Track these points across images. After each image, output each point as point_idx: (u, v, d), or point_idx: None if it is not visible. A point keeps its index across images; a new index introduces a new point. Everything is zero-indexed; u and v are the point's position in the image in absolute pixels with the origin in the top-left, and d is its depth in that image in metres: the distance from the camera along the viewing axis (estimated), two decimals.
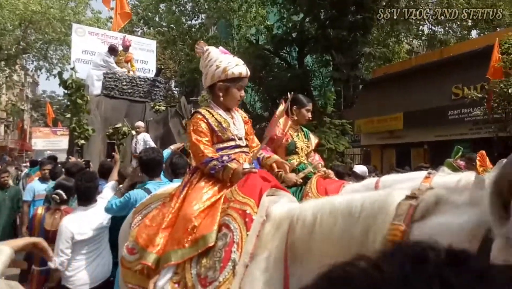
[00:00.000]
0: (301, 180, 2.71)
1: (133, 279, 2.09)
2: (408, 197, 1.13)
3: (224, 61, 2.14)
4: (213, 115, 2.17)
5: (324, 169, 3.03)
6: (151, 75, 9.86)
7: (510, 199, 0.80)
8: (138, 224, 2.24)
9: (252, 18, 19.72)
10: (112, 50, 8.87)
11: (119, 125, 8.21)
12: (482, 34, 15.71)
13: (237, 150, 2.16)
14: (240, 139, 2.20)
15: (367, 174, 5.18)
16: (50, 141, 22.47)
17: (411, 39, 18.58)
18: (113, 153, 4.74)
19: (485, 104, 8.71)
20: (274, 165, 2.22)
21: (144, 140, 7.47)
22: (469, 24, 16.16)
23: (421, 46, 19.87)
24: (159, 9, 20.90)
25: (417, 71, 12.97)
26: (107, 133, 8.03)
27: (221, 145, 2.15)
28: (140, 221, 2.26)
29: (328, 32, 13.53)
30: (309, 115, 3.33)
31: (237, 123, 2.22)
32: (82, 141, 7.02)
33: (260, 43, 15.74)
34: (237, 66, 2.14)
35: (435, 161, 11.63)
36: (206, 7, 20.08)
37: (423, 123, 12.07)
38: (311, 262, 1.37)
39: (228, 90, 2.17)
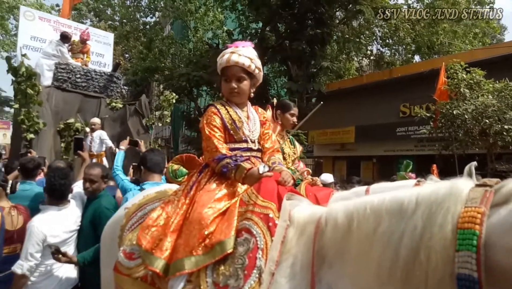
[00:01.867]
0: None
1: (134, 286, 1.89)
2: (478, 185, 1.05)
3: (221, 54, 2.04)
4: (228, 112, 2.01)
5: (310, 176, 3.02)
6: (108, 69, 9.27)
7: None
8: (134, 227, 2.05)
9: (209, 22, 19.61)
10: (65, 38, 8.17)
11: (72, 120, 7.60)
12: (424, 59, 17.11)
13: (248, 153, 2.01)
14: (253, 141, 2.04)
15: (329, 182, 5.23)
16: None
17: (360, 58, 19.63)
18: (79, 152, 4.37)
19: (432, 123, 9.41)
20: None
21: (100, 138, 6.97)
22: (413, 48, 17.51)
23: (369, 65, 21.11)
24: (112, 2, 19.97)
25: (368, 88, 13.75)
26: (58, 128, 7.37)
27: (232, 146, 1.99)
28: (136, 223, 2.07)
29: (286, 43, 13.81)
30: (294, 119, 3.23)
31: (252, 124, 2.06)
32: (31, 135, 6.35)
33: (220, 47, 15.64)
34: (224, 56, 1.98)
35: (382, 174, 12.37)
36: (163, 5, 19.59)
37: (373, 137, 12.77)
38: (343, 266, 1.30)
39: (221, 84, 2.06)
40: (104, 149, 6.92)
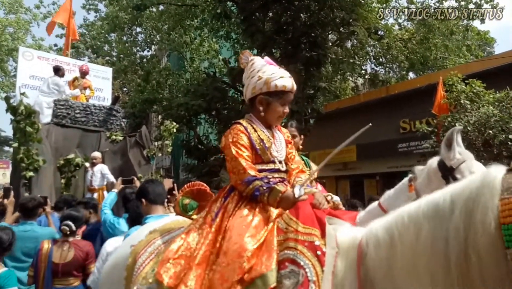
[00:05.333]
0: None
1: None
2: (510, 170, 0.97)
3: (268, 72, 1.90)
4: (256, 130, 1.89)
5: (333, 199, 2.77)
6: (107, 103, 9.32)
7: None
8: (147, 263, 1.86)
9: (205, 52, 19.97)
10: (57, 71, 8.22)
11: (71, 156, 7.54)
12: (418, 75, 17.29)
13: (276, 174, 1.88)
14: (280, 162, 1.92)
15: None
16: None
17: (355, 78, 19.86)
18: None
19: (434, 137, 9.35)
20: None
21: (101, 172, 6.91)
22: (407, 65, 17.73)
23: (364, 84, 21.33)
24: (109, 39, 20.37)
25: (366, 106, 13.80)
26: (58, 165, 7.30)
27: (259, 167, 1.85)
28: (147, 260, 1.88)
29: (283, 67, 13.97)
30: (296, 140, 2.91)
31: (278, 144, 1.95)
32: (31, 173, 6.27)
33: (216, 75, 15.84)
34: (281, 79, 1.89)
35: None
36: (159, 38, 19.99)
37: (375, 155, 12.69)
38: (395, 283, 1.19)
39: (270, 105, 1.91)
40: (105, 183, 6.83)
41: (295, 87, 1.95)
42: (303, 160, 2.97)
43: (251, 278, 1.45)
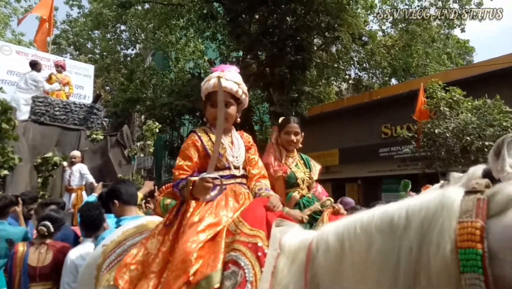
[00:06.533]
0: (307, 217, 2.22)
1: None
2: (468, 192, 0.95)
3: (207, 78, 1.97)
4: (210, 138, 1.93)
5: (333, 203, 2.51)
6: (88, 101, 9.12)
7: None
8: (112, 265, 1.87)
9: (190, 52, 19.86)
10: (34, 65, 8.00)
11: (49, 154, 7.33)
12: (400, 81, 17.62)
13: (231, 180, 1.89)
14: (236, 168, 1.93)
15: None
16: None
17: (339, 82, 20.08)
18: None
19: (414, 143, 9.53)
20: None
21: (80, 172, 6.73)
22: (389, 71, 18.05)
23: (348, 89, 21.59)
24: (92, 36, 20.03)
25: (349, 111, 13.97)
26: (35, 163, 7.09)
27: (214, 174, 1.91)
28: (114, 261, 1.89)
29: (268, 70, 14.02)
30: (291, 138, 2.71)
31: (236, 149, 1.97)
32: (5, 172, 6.06)
33: (202, 76, 15.75)
34: (208, 81, 1.92)
35: (368, 195, 12.38)
36: (144, 37, 19.77)
37: (357, 159, 12.84)
38: None
39: (205, 109, 1.99)
40: (83, 183, 6.68)
41: (227, 85, 1.88)
42: (302, 159, 2.88)
43: (196, 280, 1.45)
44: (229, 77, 1.93)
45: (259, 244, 1.46)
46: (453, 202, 0.94)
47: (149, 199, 4.60)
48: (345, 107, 14.48)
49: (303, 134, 2.83)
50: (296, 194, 2.64)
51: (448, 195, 0.98)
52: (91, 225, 2.85)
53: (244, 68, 14.38)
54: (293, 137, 2.73)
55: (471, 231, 0.87)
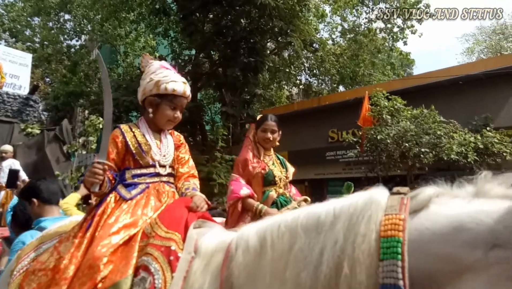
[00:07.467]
0: None
1: None
2: (394, 193, 1.03)
3: (160, 75, 1.90)
4: (134, 135, 1.87)
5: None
6: (24, 92, 8.43)
7: None
8: (23, 270, 1.69)
9: (140, 48, 19.18)
10: None
11: None
12: (347, 89, 18.42)
13: (156, 178, 1.84)
14: (162, 166, 1.88)
15: None
16: None
17: (290, 87, 20.55)
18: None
19: (358, 147, 9.98)
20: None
21: (11, 168, 6.19)
22: (338, 79, 18.81)
23: (299, 94, 22.16)
24: (32, 23, 18.63)
25: (299, 115, 14.31)
26: None
27: (138, 171, 1.82)
28: (25, 267, 1.71)
29: (221, 70, 13.97)
30: (268, 135, 2.75)
31: (164, 148, 1.91)
32: None
33: None
34: (173, 82, 1.89)
35: (314, 197, 12.72)
36: (90, 28, 18.77)
37: (304, 162, 13.14)
38: None
39: (159, 107, 1.91)
40: None
41: (188, 93, 1.96)
42: (279, 159, 2.91)
43: (104, 288, 1.37)
44: (185, 81, 1.98)
45: (173, 247, 1.39)
46: (381, 198, 1.01)
47: (84, 206, 4.31)
48: (295, 111, 14.80)
49: (280, 132, 2.85)
50: (273, 193, 2.67)
51: (375, 194, 1.03)
52: (26, 225, 2.57)
53: (196, 67, 14.22)
54: (269, 135, 2.76)
55: (395, 221, 0.92)
